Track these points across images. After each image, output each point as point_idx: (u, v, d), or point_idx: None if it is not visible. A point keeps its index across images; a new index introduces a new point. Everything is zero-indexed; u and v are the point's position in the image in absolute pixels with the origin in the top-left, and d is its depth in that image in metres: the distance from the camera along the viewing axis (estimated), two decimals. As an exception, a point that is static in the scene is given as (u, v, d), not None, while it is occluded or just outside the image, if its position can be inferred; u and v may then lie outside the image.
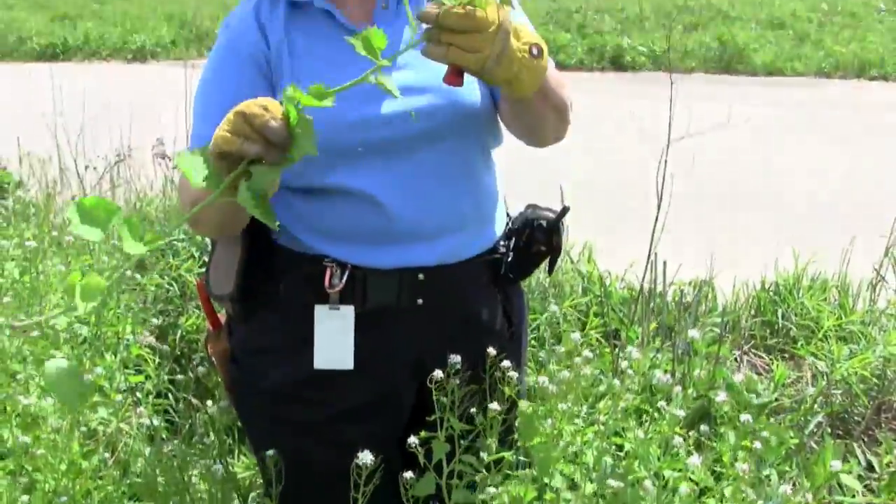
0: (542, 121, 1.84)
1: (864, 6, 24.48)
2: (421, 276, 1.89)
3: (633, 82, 14.74)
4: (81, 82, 8.58)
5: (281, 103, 1.38)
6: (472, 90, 1.87)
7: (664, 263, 4.12)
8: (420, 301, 1.91)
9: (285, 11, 1.88)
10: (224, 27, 1.92)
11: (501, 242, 2.04)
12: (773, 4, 24.62)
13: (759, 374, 4.09)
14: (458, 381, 1.83)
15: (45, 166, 6.06)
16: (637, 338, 3.83)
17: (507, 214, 2.13)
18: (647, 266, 4.01)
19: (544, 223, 2.06)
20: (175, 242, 4.66)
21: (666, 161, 3.66)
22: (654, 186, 3.70)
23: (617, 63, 16.25)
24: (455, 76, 1.51)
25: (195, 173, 1.37)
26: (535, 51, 1.55)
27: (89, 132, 6.02)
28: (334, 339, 1.87)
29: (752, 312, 4.56)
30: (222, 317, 2.11)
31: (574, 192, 7.55)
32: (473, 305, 1.99)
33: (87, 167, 5.78)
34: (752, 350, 4.33)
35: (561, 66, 13.69)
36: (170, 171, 5.59)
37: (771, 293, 4.64)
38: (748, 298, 4.66)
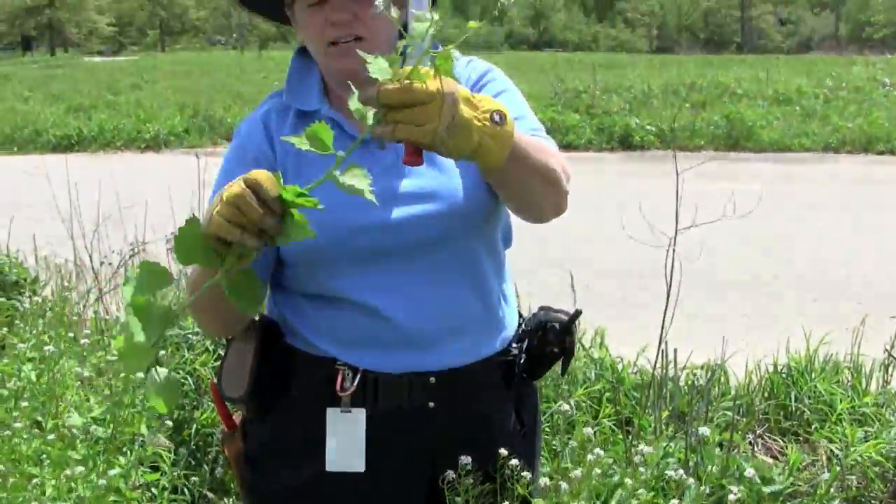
0: (528, 190, 1.80)
1: (869, 82, 24.76)
2: (432, 380, 1.90)
3: (643, 161, 14.90)
4: (96, 172, 8.70)
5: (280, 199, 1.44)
6: (476, 194, 1.86)
7: (675, 351, 4.13)
8: (431, 404, 1.91)
9: (294, 120, 1.94)
10: (236, 132, 2.00)
11: (514, 344, 2.04)
12: (778, 81, 24.93)
13: (773, 457, 4.09)
14: (470, 481, 1.84)
15: (63, 267, 6.11)
16: (650, 426, 3.84)
17: (520, 314, 2.13)
18: (658, 353, 4.03)
19: (557, 325, 2.05)
20: (189, 336, 4.69)
21: (674, 250, 3.69)
22: (665, 270, 3.74)
23: (626, 143, 16.48)
24: (412, 155, 1.49)
25: (189, 254, 1.44)
26: (496, 117, 1.53)
27: (104, 224, 6.09)
28: (346, 442, 1.88)
29: (766, 395, 4.56)
30: (238, 416, 2.11)
31: (584, 275, 7.64)
32: (485, 407, 1.99)
33: (101, 263, 5.84)
34: (767, 433, 4.32)
35: (570, 147, 13.75)
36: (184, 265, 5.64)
37: (783, 375, 4.64)
38: (761, 381, 4.66)
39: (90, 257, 5.91)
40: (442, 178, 1.85)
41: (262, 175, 1.48)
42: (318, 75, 1.99)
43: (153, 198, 7.31)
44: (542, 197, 1.83)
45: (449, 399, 1.92)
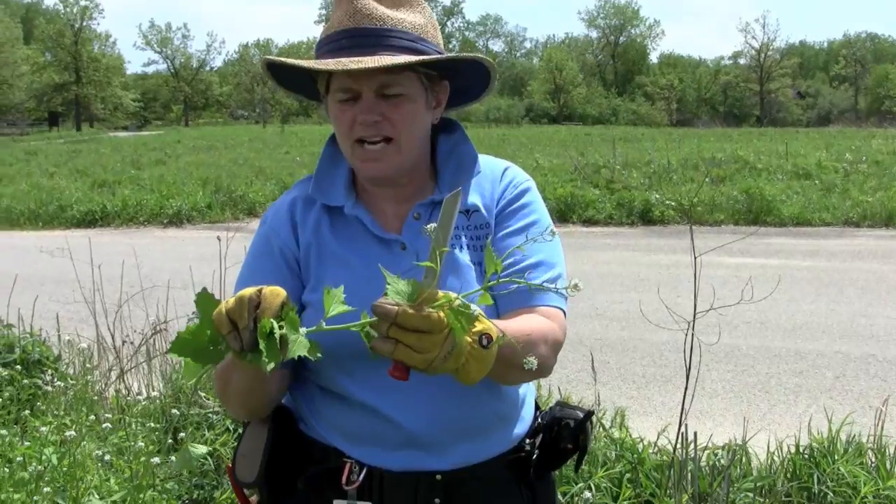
0: (504, 378, 1.81)
1: (888, 155, 24.82)
2: (438, 477, 1.88)
3: (663, 236, 14.89)
4: (119, 248, 8.75)
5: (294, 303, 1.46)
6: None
7: (695, 434, 4.11)
8: (437, 501, 1.88)
9: (319, 213, 1.96)
10: (262, 220, 2.02)
11: (527, 440, 2.02)
12: (798, 155, 25.01)
13: (797, 541, 4.03)
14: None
15: (85, 347, 6.14)
16: (671, 508, 3.80)
17: (538, 407, 2.11)
18: (678, 435, 4.01)
19: (572, 423, 2.03)
20: (210, 415, 4.71)
21: (692, 334, 3.69)
22: (684, 348, 3.73)
23: (646, 217, 16.47)
24: (400, 371, 1.48)
25: (184, 350, 1.50)
26: (484, 341, 1.53)
27: (126, 304, 6.13)
28: (352, 534, 1.86)
29: (788, 476, 4.51)
30: (255, 500, 2.09)
31: (604, 352, 7.67)
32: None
33: (123, 342, 5.87)
34: (790, 516, 4.27)
35: (590, 222, 14.04)
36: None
37: (806, 456, 4.59)
38: (783, 462, 4.60)
39: (112, 336, 5.94)
40: (456, 283, 1.84)
41: (272, 296, 1.49)
42: (346, 167, 2.00)
43: (175, 274, 7.36)
44: (519, 380, 1.89)
45: (456, 496, 1.90)
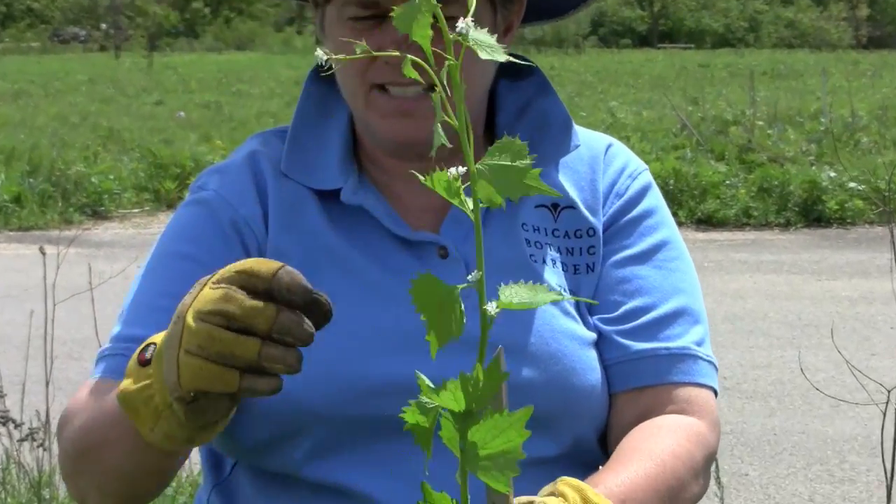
0: None
1: None
2: None
3: (842, 246, 10.17)
4: None
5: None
6: (590, 364, 1.51)
7: None
8: None
9: (298, 189, 1.55)
10: (196, 187, 1.60)
11: None
12: None
13: None
14: None
15: None
16: None
17: None
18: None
19: None
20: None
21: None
22: (882, 445, 3.01)
23: (811, 212, 11.42)
24: None
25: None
26: None
27: None
28: None
29: None
30: None
31: (738, 455, 5.58)
32: None
33: None
34: None
35: (710, 223, 11.77)
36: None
37: None
38: None
39: None
40: (516, 328, 1.50)
41: (265, 265, 1.11)
42: (342, 126, 1.58)
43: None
44: None
45: None
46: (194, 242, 1.49)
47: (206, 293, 1.09)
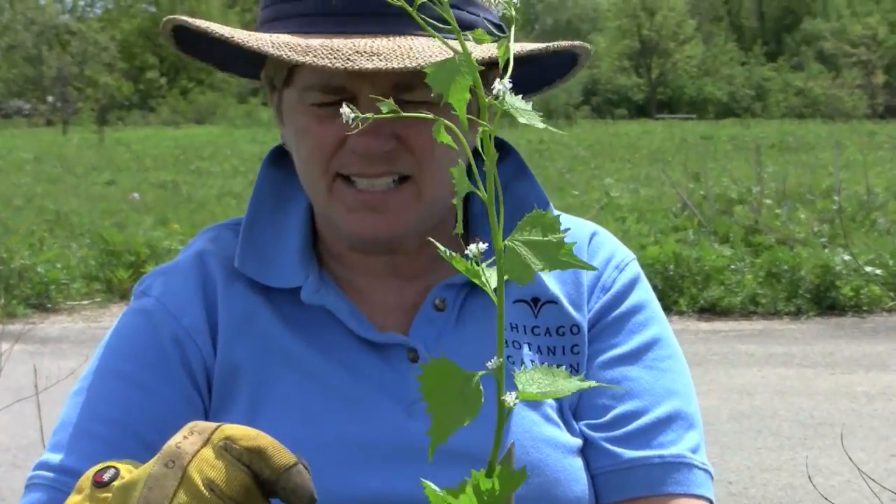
0: None
1: None
2: None
3: (859, 336, 10.19)
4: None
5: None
6: (574, 474, 1.46)
7: None
8: None
9: (250, 290, 1.48)
10: (139, 291, 1.54)
11: None
12: None
13: None
14: None
15: None
16: None
17: None
18: None
19: None
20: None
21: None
22: None
23: (825, 299, 10.77)
24: None
25: None
26: None
27: None
28: None
29: None
30: None
31: None
32: None
33: None
34: None
35: (714, 312, 10.92)
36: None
37: None
38: None
39: None
40: (488, 437, 1.36)
41: (281, 455, 1.04)
42: (301, 216, 1.53)
43: None
44: None
45: None
46: (132, 359, 1.45)
47: (209, 458, 0.99)
